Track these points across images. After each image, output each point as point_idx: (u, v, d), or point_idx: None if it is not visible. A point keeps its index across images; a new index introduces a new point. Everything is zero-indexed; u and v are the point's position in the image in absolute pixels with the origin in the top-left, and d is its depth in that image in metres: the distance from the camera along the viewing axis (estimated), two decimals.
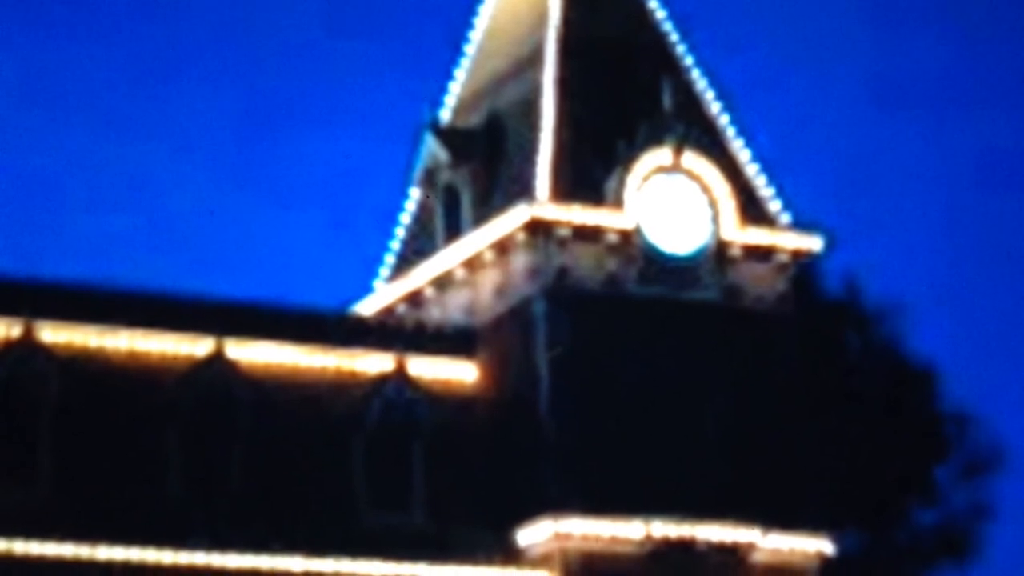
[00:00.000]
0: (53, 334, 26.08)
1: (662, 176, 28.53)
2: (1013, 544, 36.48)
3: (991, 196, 63.61)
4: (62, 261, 48.26)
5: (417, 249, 30.16)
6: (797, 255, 29.17)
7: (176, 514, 25.70)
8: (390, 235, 30.97)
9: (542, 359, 27.42)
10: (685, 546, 26.89)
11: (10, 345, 25.72)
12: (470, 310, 28.77)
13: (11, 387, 25.57)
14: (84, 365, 26.02)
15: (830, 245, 29.52)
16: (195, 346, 26.63)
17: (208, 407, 26.35)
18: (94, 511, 25.31)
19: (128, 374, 26.21)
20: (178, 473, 26.10)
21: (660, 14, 30.36)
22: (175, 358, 26.51)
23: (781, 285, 28.97)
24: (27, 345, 25.77)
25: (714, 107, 29.90)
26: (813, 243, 29.30)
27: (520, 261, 28.12)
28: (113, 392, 26.07)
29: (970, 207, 63.90)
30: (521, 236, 27.96)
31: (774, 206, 29.51)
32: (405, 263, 30.30)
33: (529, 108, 29.27)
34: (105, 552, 24.97)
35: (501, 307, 28.38)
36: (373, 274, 30.92)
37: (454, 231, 29.37)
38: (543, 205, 27.92)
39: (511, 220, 28.05)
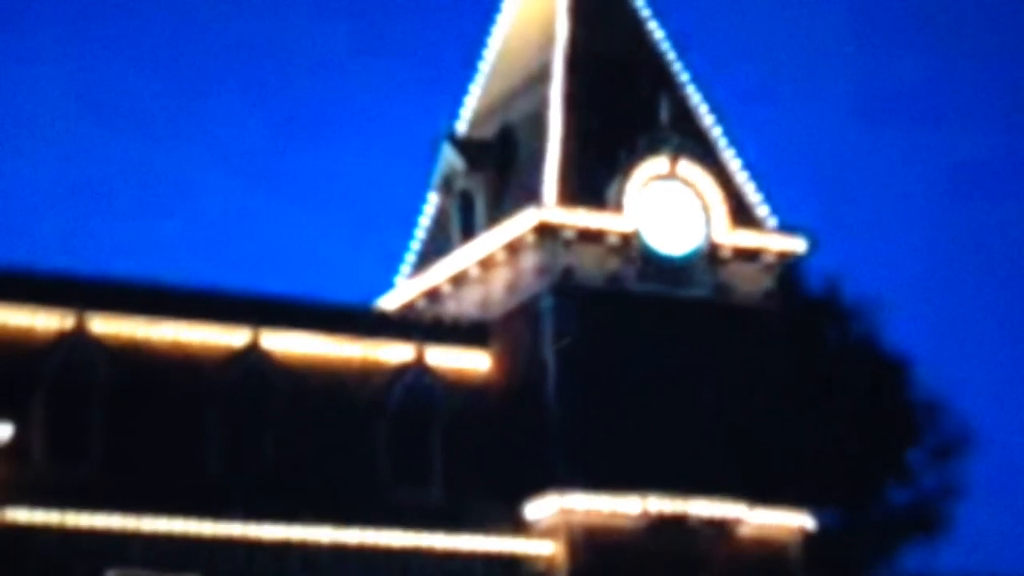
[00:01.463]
0: (104, 325, 26.20)
1: (659, 183, 28.61)
2: (979, 521, 36.58)
3: (964, 203, 63.59)
4: (112, 259, 48.44)
5: (435, 249, 30.25)
6: (783, 256, 29.20)
7: (215, 489, 25.80)
8: (410, 236, 31.05)
9: (549, 350, 27.47)
10: (678, 521, 26.97)
11: (64, 336, 25.83)
12: (483, 305, 28.84)
13: (65, 374, 25.68)
14: (132, 354, 26.10)
15: (813, 247, 29.52)
16: (233, 336, 26.78)
17: (245, 392, 26.41)
18: (140, 486, 25.42)
19: (172, 362, 26.28)
20: (217, 452, 26.20)
21: (659, 34, 30.41)
22: (215, 347, 26.59)
23: (768, 283, 29.02)
24: (80, 336, 25.87)
25: (707, 119, 29.96)
26: (797, 245, 29.31)
27: (529, 260, 28.20)
28: (158, 378, 26.14)
29: (944, 213, 63.88)
30: (530, 238, 28.03)
31: (762, 211, 29.56)
32: (424, 262, 30.37)
33: (538, 120, 29.36)
34: (150, 523, 25.12)
35: (512, 302, 28.44)
36: (395, 271, 30.98)
37: (469, 233, 29.45)
38: (550, 209, 27.99)
39: (521, 223, 28.13)
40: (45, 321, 26.03)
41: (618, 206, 28.21)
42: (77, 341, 25.88)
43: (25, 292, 25.99)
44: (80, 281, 26.43)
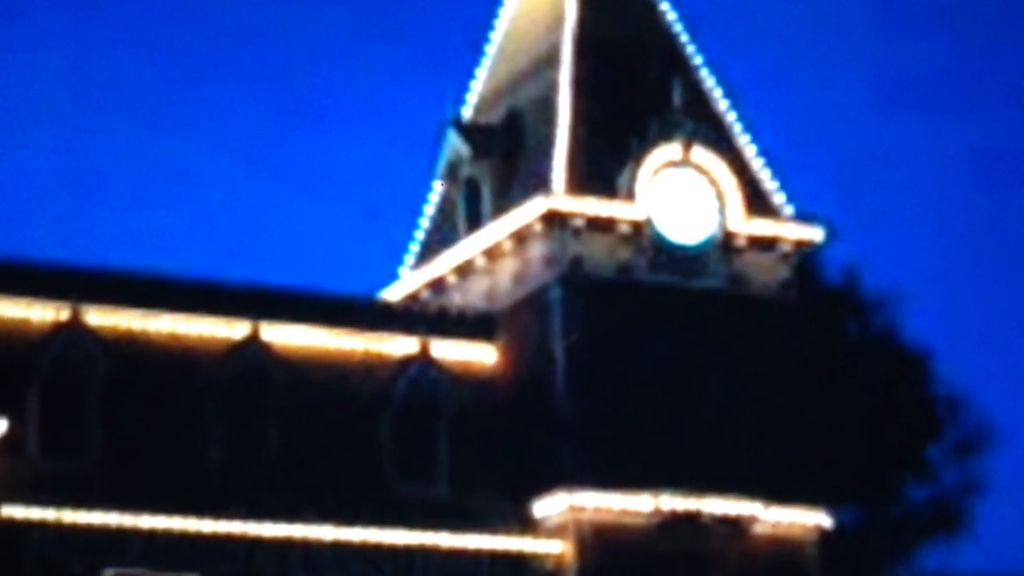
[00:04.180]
0: (100, 318, 26.43)
1: (672, 169, 28.73)
2: (1001, 519, 36.67)
3: (985, 192, 63.63)
4: (108, 249, 48.65)
5: (440, 239, 30.40)
6: (799, 245, 29.31)
7: (215, 486, 26.04)
8: (415, 225, 31.19)
9: (558, 343, 27.65)
10: (691, 518, 27.15)
11: (60, 328, 26.06)
12: (490, 296, 28.99)
13: (61, 367, 25.94)
14: (129, 346, 26.33)
15: (831, 236, 29.60)
16: (232, 329, 26.97)
17: (245, 386, 26.63)
18: (138, 482, 25.67)
19: (170, 355, 26.51)
20: (217, 448, 26.43)
21: (671, 15, 30.50)
22: (214, 340, 26.82)
23: (784, 274, 29.13)
24: (76, 328, 26.10)
25: (722, 104, 30.05)
26: (815, 234, 29.40)
27: (537, 250, 28.35)
28: (156, 372, 26.39)
29: (965, 202, 63.90)
30: (538, 227, 28.18)
31: (778, 199, 29.66)
32: (429, 252, 30.53)
33: (546, 105, 29.48)
34: (148, 520, 25.35)
35: (519, 293, 28.60)
36: (399, 262, 31.15)
37: (475, 222, 29.60)
38: (559, 197, 28.14)
39: (529, 211, 28.28)
40: (40, 313, 26.28)
41: (629, 194, 28.35)
42: (73, 334, 26.12)
43: (19, 284, 26.24)
44: (76, 272, 26.66)
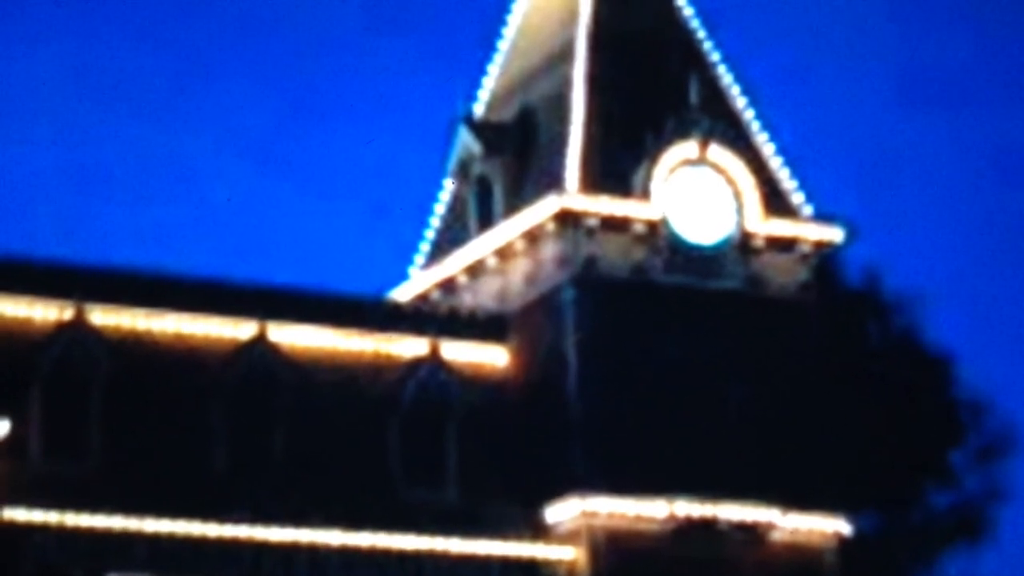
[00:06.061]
0: (104, 317, 26.60)
1: (688, 168, 28.82)
2: None
3: (1010, 191, 63.54)
4: (112, 247, 48.85)
5: (451, 238, 30.51)
6: (819, 246, 29.39)
7: (220, 489, 26.20)
8: (425, 224, 31.32)
9: (570, 344, 27.75)
10: (707, 525, 27.23)
11: (63, 327, 26.23)
12: (501, 297, 29.11)
13: (64, 367, 26.11)
14: (133, 347, 26.50)
15: (851, 236, 29.69)
16: (239, 329, 27.11)
17: (251, 388, 26.78)
18: (142, 485, 25.84)
19: (175, 355, 26.67)
20: (222, 450, 26.59)
21: (688, 10, 30.58)
22: (220, 340, 26.97)
23: (803, 275, 29.21)
24: (79, 327, 26.26)
25: (739, 101, 30.13)
26: (835, 234, 29.49)
27: (550, 250, 28.45)
28: (160, 372, 26.55)
29: (989, 201, 63.81)
30: (551, 226, 28.29)
31: (797, 198, 29.74)
32: (439, 251, 30.66)
33: (560, 102, 29.58)
34: (152, 524, 25.50)
35: (531, 294, 28.72)
36: (408, 261, 31.27)
37: (486, 221, 29.71)
38: (573, 196, 28.24)
39: (541, 210, 28.39)
40: (43, 313, 26.45)
41: (644, 193, 28.44)
42: (76, 333, 26.26)
43: (22, 282, 26.43)
44: (79, 271, 26.83)
